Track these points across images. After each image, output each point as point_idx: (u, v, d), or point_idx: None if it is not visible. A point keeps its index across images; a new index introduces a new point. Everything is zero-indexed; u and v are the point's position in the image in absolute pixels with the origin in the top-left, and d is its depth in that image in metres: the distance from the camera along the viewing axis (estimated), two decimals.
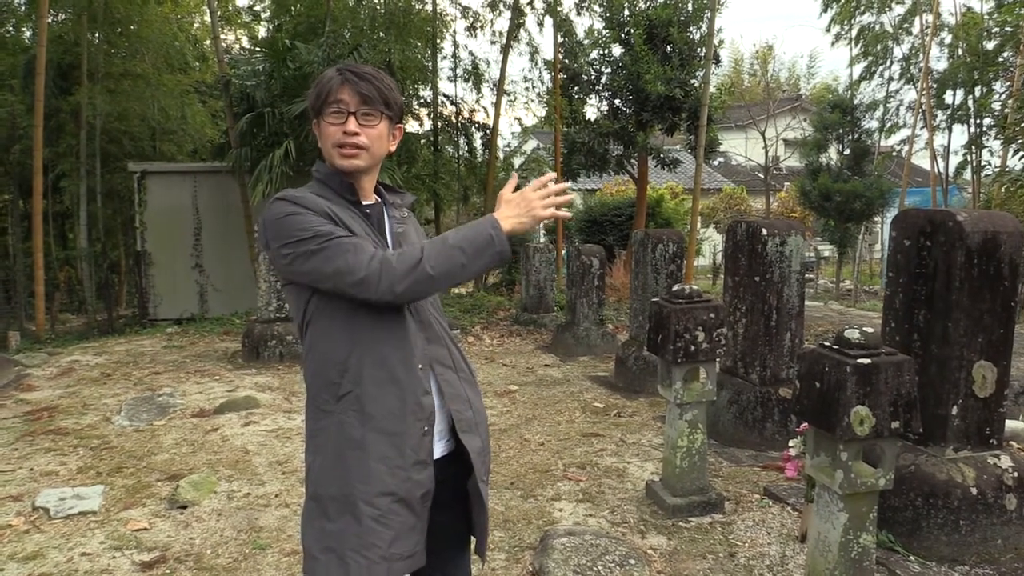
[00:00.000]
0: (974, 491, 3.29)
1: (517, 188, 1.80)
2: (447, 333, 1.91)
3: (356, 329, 1.72)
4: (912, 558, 3.27)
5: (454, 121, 13.52)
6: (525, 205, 1.75)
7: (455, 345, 1.93)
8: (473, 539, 1.98)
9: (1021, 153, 12.27)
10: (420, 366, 1.76)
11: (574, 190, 20.45)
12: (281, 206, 1.73)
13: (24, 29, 14.15)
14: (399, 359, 1.73)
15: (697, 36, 12.41)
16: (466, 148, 13.94)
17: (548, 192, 1.76)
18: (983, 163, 15.32)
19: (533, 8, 12.49)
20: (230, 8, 15.48)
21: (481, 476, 1.87)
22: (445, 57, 13.52)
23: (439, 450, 1.82)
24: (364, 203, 1.85)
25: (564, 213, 1.80)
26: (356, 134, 1.77)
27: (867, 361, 2.51)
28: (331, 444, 1.73)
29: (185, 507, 3.99)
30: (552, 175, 1.81)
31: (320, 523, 1.73)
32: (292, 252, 1.69)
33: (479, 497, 1.87)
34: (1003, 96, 14.35)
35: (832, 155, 17.88)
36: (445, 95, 13.48)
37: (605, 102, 13.30)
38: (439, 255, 1.66)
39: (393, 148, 1.90)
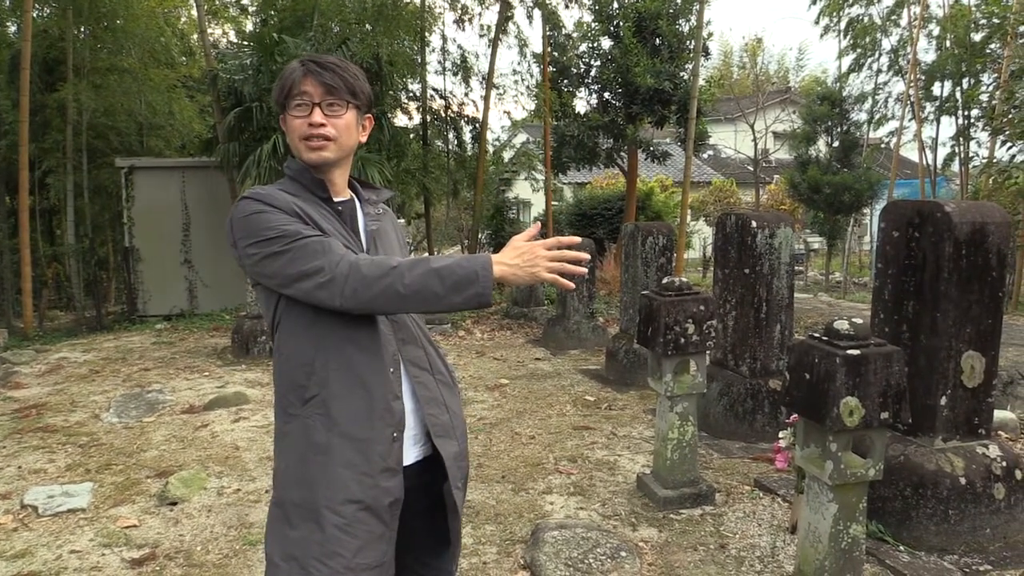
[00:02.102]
0: (963, 481, 3.31)
1: (543, 234, 1.67)
2: (424, 333, 1.85)
3: (322, 329, 1.66)
4: (902, 548, 3.29)
5: (443, 115, 13.45)
6: (529, 258, 1.57)
7: (432, 346, 1.87)
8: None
9: (1008, 144, 12.32)
10: (391, 369, 1.71)
11: (564, 183, 20.43)
12: (247, 204, 1.67)
13: (9, 24, 14.01)
14: (367, 361, 1.67)
15: (686, 29, 12.41)
16: (455, 142, 13.89)
17: (561, 255, 1.58)
18: (971, 154, 15.37)
19: (522, 1, 12.44)
20: (217, 2, 15.37)
21: (456, 483, 1.80)
22: (433, 50, 13.46)
23: (413, 455, 1.77)
24: (336, 199, 1.79)
25: (567, 283, 1.59)
26: (322, 125, 1.71)
27: (856, 352, 2.51)
28: (296, 448, 1.68)
29: (175, 504, 3.98)
30: (578, 240, 1.65)
31: (283, 530, 1.68)
32: (258, 252, 1.64)
33: (453, 505, 1.80)
34: (991, 87, 14.40)
35: (821, 147, 17.93)
36: (434, 89, 13.42)
37: (594, 95, 13.29)
38: (415, 275, 1.55)
39: (364, 139, 1.84)
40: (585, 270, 1.63)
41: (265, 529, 1.77)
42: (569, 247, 1.61)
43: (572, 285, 1.62)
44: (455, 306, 1.58)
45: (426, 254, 14.14)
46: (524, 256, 1.58)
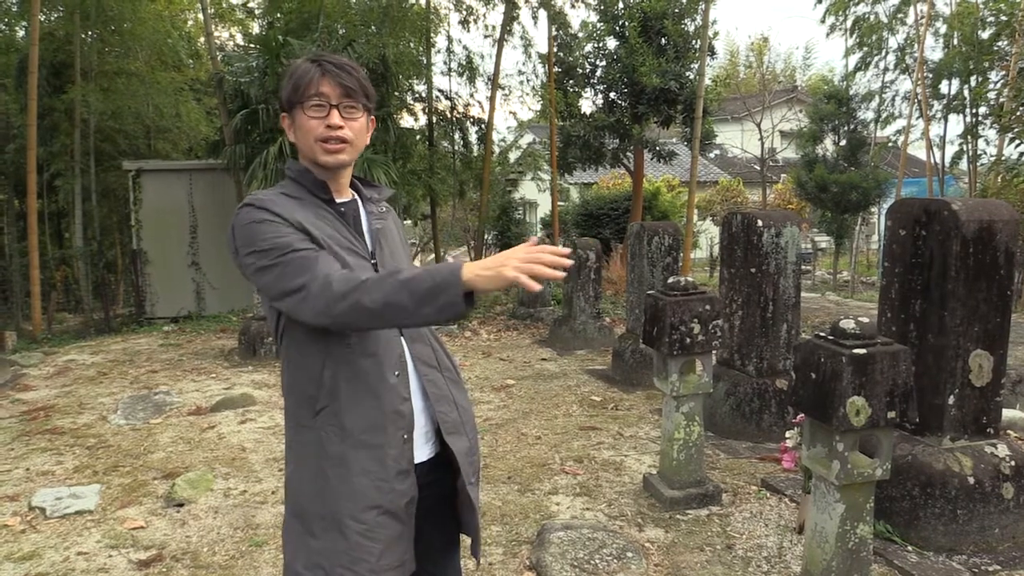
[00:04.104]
0: (971, 480, 3.28)
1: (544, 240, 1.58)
2: (429, 330, 1.85)
3: (328, 340, 1.66)
4: (910, 548, 3.27)
5: (449, 116, 13.46)
6: (501, 260, 1.49)
7: (438, 342, 1.87)
8: (467, 540, 1.94)
9: (1017, 142, 12.27)
10: (397, 372, 1.70)
11: (570, 184, 20.43)
12: (248, 212, 1.66)
13: (17, 28, 14.09)
14: (374, 368, 1.67)
15: (692, 28, 12.38)
16: (461, 143, 13.90)
17: (535, 257, 1.49)
18: (979, 152, 15.31)
19: (527, 1, 12.45)
20: (223, 5, 15.43)
21: (469, 478, 1.81)
22: (439, 51, 13.54)
23: (425, 453, 1.77)
24: (339, 201, 1.78)
25: (532, 284, 1.46)
26: (340, 127, 1.70)
27: (863, 351, 2.50)
28: (311, 460, 1.68)
29: (182, 505, 3.99)
30: (566, 251, 1.54)
31: (305, 540, 1.69)
32: (253, 263, 1.63)
33: (468, 499, 1.81)
34: (998, 85, 14.34)
35: (828, 146, 17.88)
36: (439, 90, 13.44)
37: (600, 95, 13.27)
38: (382, 289, 1.50)
39: (367, 140, 1.84)
40: (562, 274, 1.53)
41: (283, 540, 1.77)
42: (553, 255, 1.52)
43: (537, 286, 1.51)
44: (429, 318, 1.51)
45: (432, 257, 14.14)
46: (497, 259, 1.51)
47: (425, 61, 12.46)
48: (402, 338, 1.75)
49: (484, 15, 12.67)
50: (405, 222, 16.25)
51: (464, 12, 12.68)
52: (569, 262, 1.52)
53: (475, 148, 13.88)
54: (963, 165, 16.00)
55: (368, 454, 1.66)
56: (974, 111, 14.89)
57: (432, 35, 12.70)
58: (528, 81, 13.13)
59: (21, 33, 13.82)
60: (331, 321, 1.56)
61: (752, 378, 5.01)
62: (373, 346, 1.68)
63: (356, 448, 1.65)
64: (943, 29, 15.91)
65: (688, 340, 3.76)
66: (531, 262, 1.48)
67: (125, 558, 3.42)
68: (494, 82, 12.67)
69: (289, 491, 1.76)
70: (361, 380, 1.66)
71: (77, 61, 12.29)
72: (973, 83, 14.69)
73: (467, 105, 13.58)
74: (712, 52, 12.75)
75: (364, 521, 1.65)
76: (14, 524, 3.79)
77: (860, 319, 2.64)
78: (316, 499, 1.68)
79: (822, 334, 2.70)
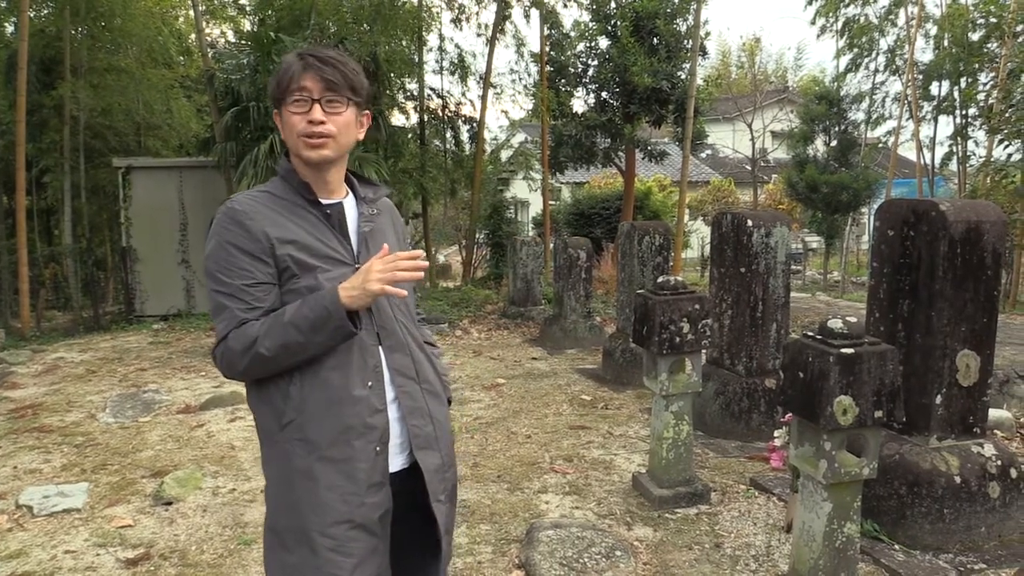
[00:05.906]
0: (958, 480, 3.30)
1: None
2: (414, 339, 1.83)
3: None
4: (897, 547, 3.29)
5: (440, 114, 13.46)
6: (363, 276, 1.59)
7: (423, 352, 1.84)
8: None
9: (1006, 143, 12.35)
10: (370, 383, 1.68)
11: (561, 183, 20.43)
12: (222, 225, 1.66)
13: (6, 24, 13.99)
14: (340, 379, 1.65)
15: (684, 28, 12.43)
16: (453, 142, 13.89)
17: (392, 267, 1.59)
18: (968, 154, 15.39)
19: (519, 0, 12.46)
20: (214, 2, 15.34)
21: (437, 496, 1.78)
22: (431, 50, 13.48)
23: (399, 463, 1.75)
24: (326, 202, 1.75)
25: (396, 291, 1.60)
26: (322, 122, 1.66)
27: (850, 351, 2.51)
28: (281, 475, 1.68)
29: (170, 503, 3.97)
30: (419, 253, 1.65)
31: (280, 555, 1.69)
32: (208, 282, 1.68)
33: (434, 519, 1.79)
34: (988, 87, 14.42)
35: (819, 147, 17.97)
36: (431, 88, 13.44)
37: (592, 95, 13.30)
38: (273, 334, 1.58)
39: (361, 136, 1.81)
40: (420, 275, 1.64)
41: (263, 553, 1.77)
42: (409, 259, 1.61)
43: (403, 292, 1.63)
44: (324, 345, 1.61)
45: None
46: (360, 276, 1.60)
47: (417, 59, 12.46)
48: (380, 348, 1.73)
49: (476, 14, 12.63)
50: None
51: (456, 11, 12.70)
52: (424, 263, 1.62)
53: (467, 147, 13.90)
54: (953, 166, 16.09)
55: (335, 468, 1.64)
56: (964, 112, 14.96)
57: (424, 33, 12.69)
58: (520, 80, 13.18)
59: (11, 29, 13.72)
60: (235, 376, 1.66)
61: (741, 377, 5.03)
62: (344, 357, 1.66)
63: (322, 462, 1.64)
64: (933, 31, 15.99)
65: (677, 339, 3.77)
66: (389, 271, 1.58)
67: (113, 556, 3.41)
68: (486, 81, 12.68)
69: (266, 505, 1.75)
70: (328, 392, 1.65)
71: (67, 57, 12.20)
72: (963, 85, 14.77)
73: (459, 104, 13.60)
74: (704, 52, 12.82)
75: (334, 536, 1.63)
76: (1, 522, 3.77)
77: (848, 319, 2.65)
78: (287, 513, 1.67)
79: (810, 334, 2.71)
